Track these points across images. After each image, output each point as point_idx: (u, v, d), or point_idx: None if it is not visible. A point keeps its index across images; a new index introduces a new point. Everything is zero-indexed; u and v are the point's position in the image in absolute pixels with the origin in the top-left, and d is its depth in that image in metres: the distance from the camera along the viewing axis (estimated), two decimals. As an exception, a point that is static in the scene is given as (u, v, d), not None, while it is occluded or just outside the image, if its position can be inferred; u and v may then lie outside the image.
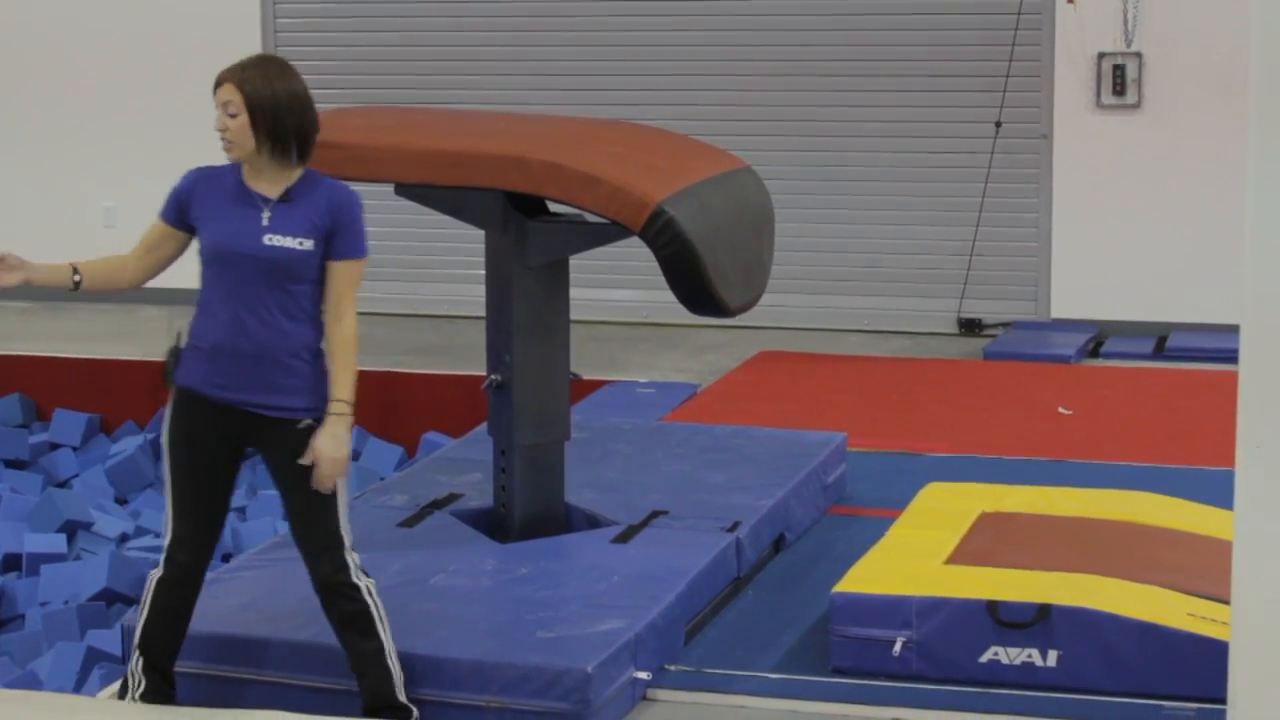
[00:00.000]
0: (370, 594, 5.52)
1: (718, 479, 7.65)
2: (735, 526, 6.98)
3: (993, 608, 5.95)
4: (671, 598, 6.24)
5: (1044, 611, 5.90)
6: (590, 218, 6.75)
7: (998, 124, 12.10)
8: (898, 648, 6.00)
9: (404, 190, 7.00)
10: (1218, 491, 7.03)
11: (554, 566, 6.58)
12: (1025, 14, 11.99)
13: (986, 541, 6.62)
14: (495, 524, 7.02)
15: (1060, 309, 12.18)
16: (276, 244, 5.37)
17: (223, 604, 6.24)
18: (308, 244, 5.38)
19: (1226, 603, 5.14)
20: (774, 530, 7.34)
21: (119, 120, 13.64)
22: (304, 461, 5.36)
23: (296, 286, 5.39)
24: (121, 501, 10.71)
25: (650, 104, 12.43)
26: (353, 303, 5.44)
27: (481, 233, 6.95)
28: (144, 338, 12.58)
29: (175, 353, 5.58)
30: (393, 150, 6.88)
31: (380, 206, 12.53)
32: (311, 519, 5.48)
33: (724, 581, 6.78)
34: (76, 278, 5.61)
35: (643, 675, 5.95)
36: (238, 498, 10.62)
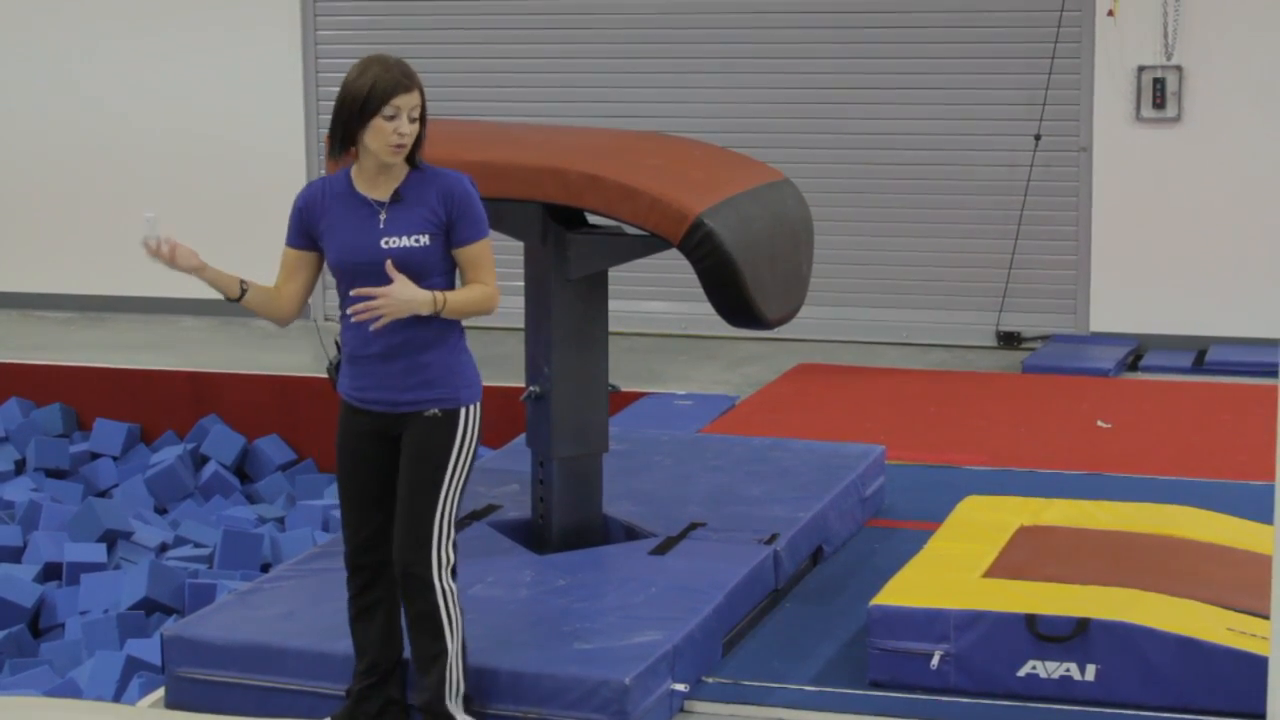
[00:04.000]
0: (445, 598, 5.49)
1: (756, 491, 7.65)
2: (773, 539, 6.98)
3: (1031, 621, 5.94)
4: (709, 610, 6.24)
5: (1082, 625, 5.89)
6: (629, 230, 6.76)
7: (1037, 137, 12.08)
8: (935, 661, 5.99)
9: (443, 202, 7.00)
10: (1257, 506, 7.02)
11: (592, 578, 6.58)
12: (1065, 27, 11.97)
13: (1025, 555, 6.61)
14: (533, 535, 7.03)
15: (1099, 322, 12.15)
16: (394, 245, 5.39)
17: (261, 614, 6.26)
18: (424, 239, 5.40)
19: (1266, 617, 5.13)
20: (812, 543, 7.33)
21: (159, 129, 13.68)
22: (377, 292, 5.31)
23: (420, 283, 5.39)
24: (161, 511, 10.74)
25: (689, 116, 12.44)
26: (491, 277, 5.48)
27: (520, 244, 6.96)
28: (184, 348, 12.64)
29: (334, 365, 5.63)
30: (431, 162, 6.89)
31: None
32: (409, 507, 5.48)
33: (762, 594, 6.78)
34: (244, 287, 5.57)
35: (680, 687, 5.95)
36: (274, 508, 10.66)
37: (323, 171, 12.23)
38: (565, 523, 6.96)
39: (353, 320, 5.41)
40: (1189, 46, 11.78)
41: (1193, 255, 11.93)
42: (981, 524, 7.02)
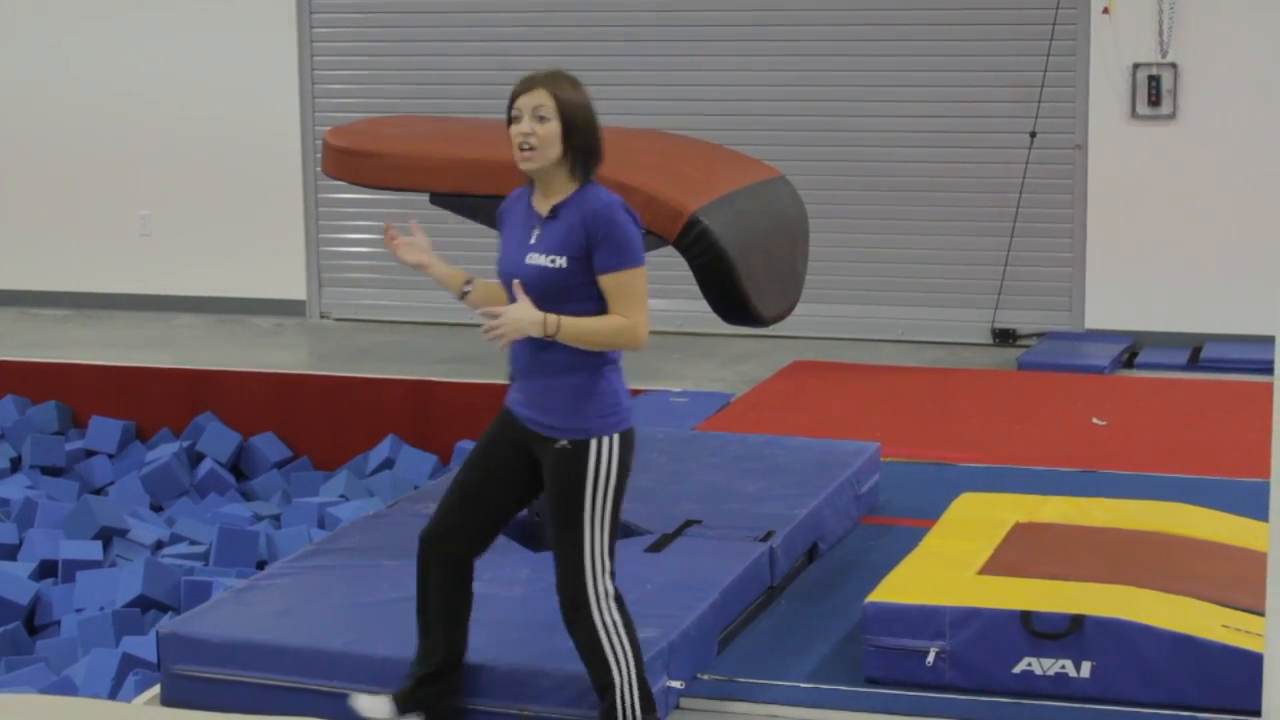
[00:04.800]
0: (608, 631, 5.38)
1: (751, 488, 7.65)
2: (768, 536, 6.98)
3: (1026, 618, 5.94)
4: (705, 607, 6.24)
5: (1077, 622, 5.89)
6: (625, 227, 6.75)
7: (1033, 134, 12.09)
8: (931, 658, 5.99)
9: (439, 199, 7.02)
10: (1252, 503, 7.02)
11: (587, 575, 6.58)
12: (1060, 25, 11.98)
13: (1020, 552, 6.62)
14: (529, 532, 7.03)
15: (1094, 319, 12.16)
16: (532, 262, 5.29)
17: (257, 611, 6.26)
18: (560, 261, 5.26)
19: (1261, 614, 5.14)
20: (807, 540, 7.33)
21: (154, 128, 13.69)
22: (496, 310, 5.24)
23: (557, 305, 5.27)
24: (157, 508, 10.75)
25: (685, 114, 12.44)
26: (636, 311, 5.26)
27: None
28: (180, 345, 12.64)
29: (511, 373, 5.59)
30: (428, 159, 6.90)
31: (415, 215, 12.61)
32: (559, 538, 5.40)
33: (757, 591, 6.78)
34: (468, 287, 5.52)
35: (676, 684, 5.95)
36: (270, 505, 10.66)
37: (318, 158, 12.22)
38: (561, 520, 6.95)
39: (483, 337, 5.32)
40: (1184, 44, 11.79)
41: (1188, 252, 11.94)
42: (977, 521, 7.03)
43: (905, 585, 6.28)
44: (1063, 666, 5.91)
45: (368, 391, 11.43)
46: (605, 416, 5.35)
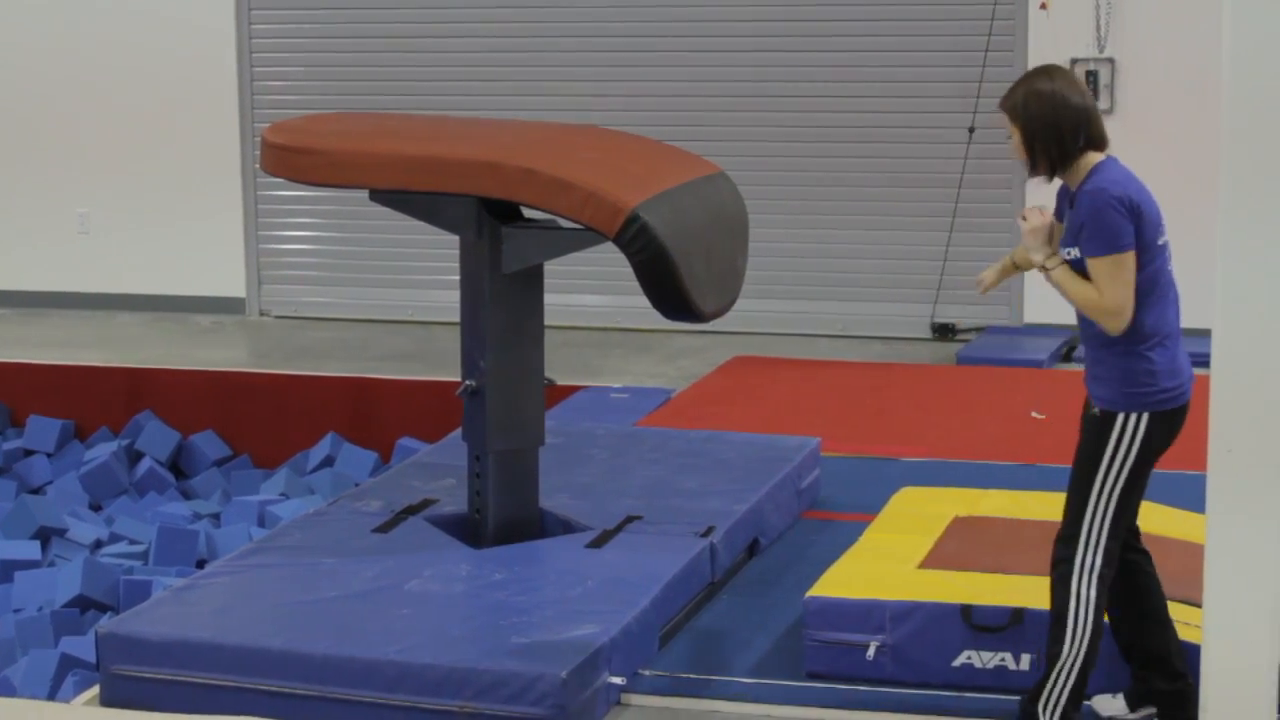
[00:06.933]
0: (1079, 603, 5.38)
1: (692, 484, 7.66)
2: (709, 531, 6.99)
3: (966, 612, 5.97)
4: (646, 603, 6.25)
5: (1018, 616, 5.92)
6: (564, 223, 6.76)
7: (971, 129, 12.12)
8: (871, 652, 6.01)
9: (378, 196, 6.99)
10: (1189, 495, 7.05)
11: (528, 572, 6.59)
12: (998, 20, 12.02)
13: (960, 546, 6.64)
14: (470, 529, 7.03)
15: (1033, 314, 12.20)
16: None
17: (196, 610, 6.24)
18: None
19: (1199, 605, 5.18)
20: (748, 535, 7.35)
21: (92, 124, 13.61)
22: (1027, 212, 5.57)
23: None
24: (96, 508, 10.69)
25: (625, 110, 12.44)
26: (1109, 293, 5.35)
27: (456, 238, 6.95)
28: (118, 344, 12.57)
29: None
30: (366, 155, 6.88)
31: (354, 212, 12.61)
32: (1067, 501, 5.49)
33: (698, 586, 6.79)
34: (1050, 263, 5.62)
35: (617, 680, 5.96)
36: (210, 504, 10.62)
37: (257, 156, 12.17)
38: (502, 517, 6.96)
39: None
40: (1122, 39, 11.85)
41: (1126, 247, 11.98)
42: (917, 515, 7.05)
43: (846, 580, 6.30)
44: (1002, 659, 5.94)
45: (308, 389, 11.39)
46: (1137, 393, 5.40)
